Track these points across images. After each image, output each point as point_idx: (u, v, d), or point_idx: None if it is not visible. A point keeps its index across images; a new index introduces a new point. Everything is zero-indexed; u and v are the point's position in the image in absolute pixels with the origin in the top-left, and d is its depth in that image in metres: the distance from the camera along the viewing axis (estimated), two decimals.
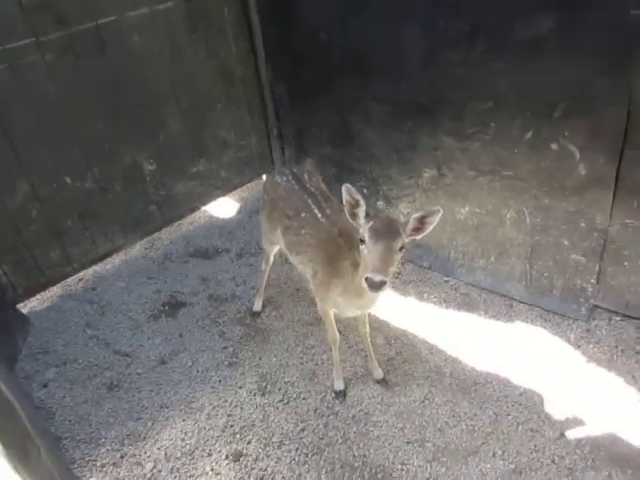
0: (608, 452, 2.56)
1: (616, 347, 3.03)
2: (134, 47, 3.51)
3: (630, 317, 3.15)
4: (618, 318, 3.18)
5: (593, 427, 2.67)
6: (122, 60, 3.47)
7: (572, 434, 2.66)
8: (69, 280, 3.83)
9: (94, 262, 3.82)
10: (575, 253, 3.11)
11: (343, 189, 2.16)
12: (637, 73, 2.52)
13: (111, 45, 3.39)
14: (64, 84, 3.26)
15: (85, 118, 3.41)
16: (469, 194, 3.38)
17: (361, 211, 2.17)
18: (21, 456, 1.89)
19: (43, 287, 3.61)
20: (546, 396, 2.85)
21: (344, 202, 2.19)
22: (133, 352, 3.33)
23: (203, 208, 4.45)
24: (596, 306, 3.24)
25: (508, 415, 2.78)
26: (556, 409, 2.78)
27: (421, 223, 2.13)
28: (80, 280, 3.91)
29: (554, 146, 2.91)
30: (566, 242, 3.11)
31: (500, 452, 2.62)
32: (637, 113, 2.60)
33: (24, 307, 3.63)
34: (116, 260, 4.08)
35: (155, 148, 3.83)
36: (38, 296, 3.70)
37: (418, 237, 2.16)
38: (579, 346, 3.08)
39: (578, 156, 2.85)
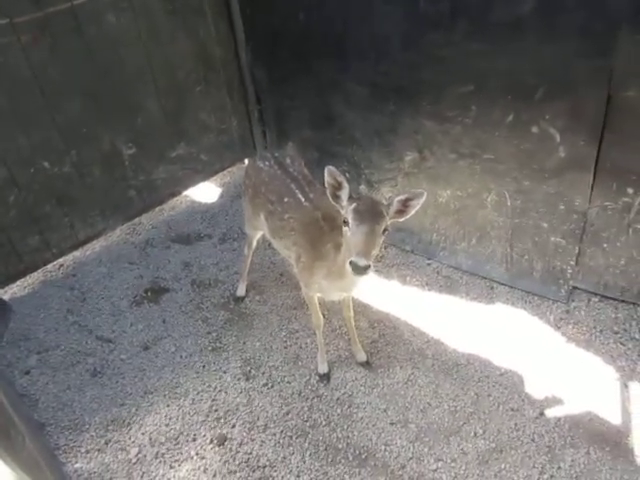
0: (587, 430, 2.62)
1: (594, 328, 3.09)
2: (111, 28, 3.43)
3: (608, 298, 3.20)
4: (596, 299, 3.23)
5: (572, 406, 2.73)
6: (99, 42, 3.39)
7: (551, 413, 2.72)
8: (49, 266, 3.78)
9: (74, 248, 3.77)
10: (555, 235, 3.15)
11: (325, 171, 2.15)
12: (618, 55, 2.53)
13: (87, 26, 3.30)
14: (40, 66, 3.18)
15: (62, 101, 3.34)
16: (450, 177, 3.39)
17: (344, 193, 2.16)
18: (5, 443, 1.89)
19: (22, 273, 3.56)
20: (526, 376, 2.90)
21: (326, 184, 2.18)
22: (116, 338, 3.31)
23: (184, 193, 4.41)
24: (575, 287, 3.29)
25: (489, 395, 2.83)
26: (536, 389, 2.83)
27: (404, 206, 2.13)
28: (60, 266, 3.87)
29: (534, 129, 2.92)
30: (546, 224, 3.15)
31: (481, 431, 2.67)
32: (617, 96, 2.62)
33: (4, 294, 3.59)
34: (96, 246, 4.03)
35: (134, 132, 3.77)
36: (18, 282, 3.66)
37: (401, 219, 2.17)
38: (558, 327, 3.14)
39: (558, 139, 2.87)
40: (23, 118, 3.20)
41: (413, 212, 2.14)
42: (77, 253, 3.92)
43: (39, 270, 3.71)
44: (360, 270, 1.99)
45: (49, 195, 3.46)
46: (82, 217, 3.68)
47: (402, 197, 2.12)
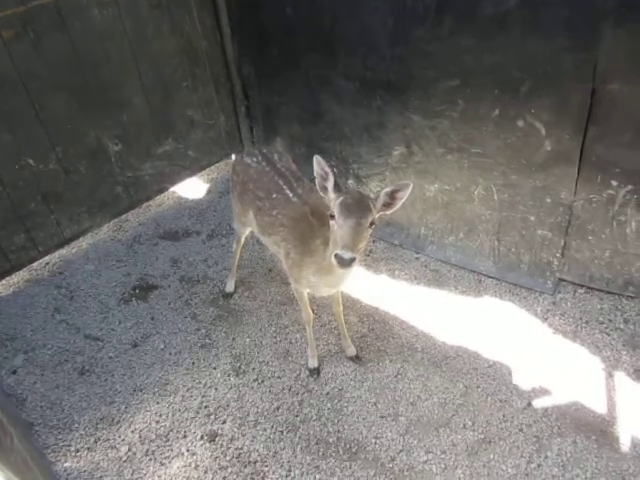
0: (573, 419, 2.66)
1: (580, 319, 3.13)
2: (95, 23, 3.39)
3: (594, 289, 3.25)
4: (582, 291, 3.27)
5: (559, 396, 2.77)
6: (83, 37, 3.35)
7: (539, 403, 2.75)
8: (35, 264, 3.75)
9: (60, 245, 3.74)
10: (541, 228, 3.18)
11: (314, 160, 2.17)
12: (602, 49, 2.56)
13: (71, 21, 3.27)
14: (24, 61, 3.14)
15: (47, 97, 3.30)
16: (438, 172, 3.41)
17: (330, 184, 2.17)
18: None
19: (8, 272, 3.52)
20: (514, 368, 2.93)
21: (315, 174, 2.19)
22: (104, 336, 3.29)
23: (172, 189, 4.39)
24: (561, 279, 3.33)
25: (478, 387, 2.86)
26: (524, 380, 2.87)
27: (392, 198, 2.14)
28: (47, 264, 3.83)
29: (521, 123, 2.94)
30: (532, 217, 3.18)
31: (470, 423, 2.70)
32: (601, 90, 2.65)
33: None
34: (83, 243, 4.00)
35: (120, 128, 3.74)
36: (4, 281, 3.62)
37: (389, 212, 2.18)
38: (545, 319, 3.17)
39: (544, 133, 2.90)
40: (6, 114, 3.16)
41: (400, 204, 2.15)
42: (64, 251, 3.89)
43: (25, 268, 3.67)
44: (345, 263, 1.99)
45: (34, 192, 3.42)
46: (68, 214, 3.65)
47: (389, 189, 2.13)
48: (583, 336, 3.04)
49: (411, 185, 2.10)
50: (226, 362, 3.10)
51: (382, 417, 2.76)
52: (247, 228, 3.20)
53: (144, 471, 2.60)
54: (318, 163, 2.17)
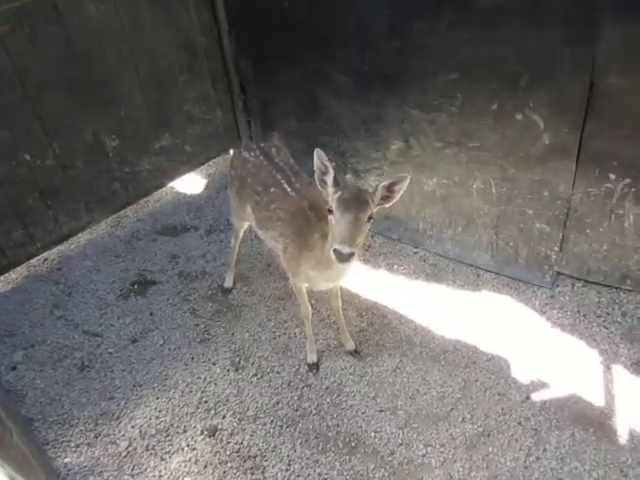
0: (571, 412, 2.67)
1: (578, 312, 3.14)
2: (92, 18, 3.38)
3: (592, 283, 3.25)
4: (580, 284, 3.28)
5: (557, 389, 2.78)
6: (80, 32, 3.34)
7: (537, 396, 2.76)
8: (33, 261, 3.74)
9: (58, 241, 3.73)
10: (539, 222, 3.18)
11: (314, 154, 2.16)
12: (600, 42, 2.55)
13: (67, 16, 3.25)
14: (20, 57, 3.12)
15: (43, 92, 3.28)
16: (436, 166, 3.41)
17: (329, 178, 2.17)
18: None
19: (6, 268, 3.52)
20: (512, 361, 2.94)
21: (315, 167, 2.19)
22: (103, 332, 3.29)
23: (169, 185, 4.38)
24: (560, 273, 3.33)
25: (476, 381, 2.87)
26: (522, 373, 2.88)
27: (390, 191, 2.14)
28: (45, 260, 3.83)
29: (519, 117, 2.94)
30: (531, 211, 3.18)
31: (469, 416, 2.71)
32: (599, 83, 2.65)
33: None
34: (81, 239, 3.99)
35: (117, 123, 3.73)
36: (2, 278, 3.61)
37: (387, 205, 2.18)
38: (544, 312, 3.18)
39: (542, 126, 2.89)
40: (2, 110, 3.14)
41: (398, 197, 2.15)
42: (62, 247, 3.88)
43: (23, 265, 3.67)
44: (344, 258, 2.00)
45: (32, 188, 3.41)
46: (66, 210, 3.64)
47: (386, 183, 2.13)
48: (581, 329, 3.05)
49: (409, 177, 2.10)
50: (225, 357, 3.10)
51: (381, 411, 2.77)
52: (245, 223, 3.20)
53: (144, 466, 2.60)
54: (319, 157, 2.16)
